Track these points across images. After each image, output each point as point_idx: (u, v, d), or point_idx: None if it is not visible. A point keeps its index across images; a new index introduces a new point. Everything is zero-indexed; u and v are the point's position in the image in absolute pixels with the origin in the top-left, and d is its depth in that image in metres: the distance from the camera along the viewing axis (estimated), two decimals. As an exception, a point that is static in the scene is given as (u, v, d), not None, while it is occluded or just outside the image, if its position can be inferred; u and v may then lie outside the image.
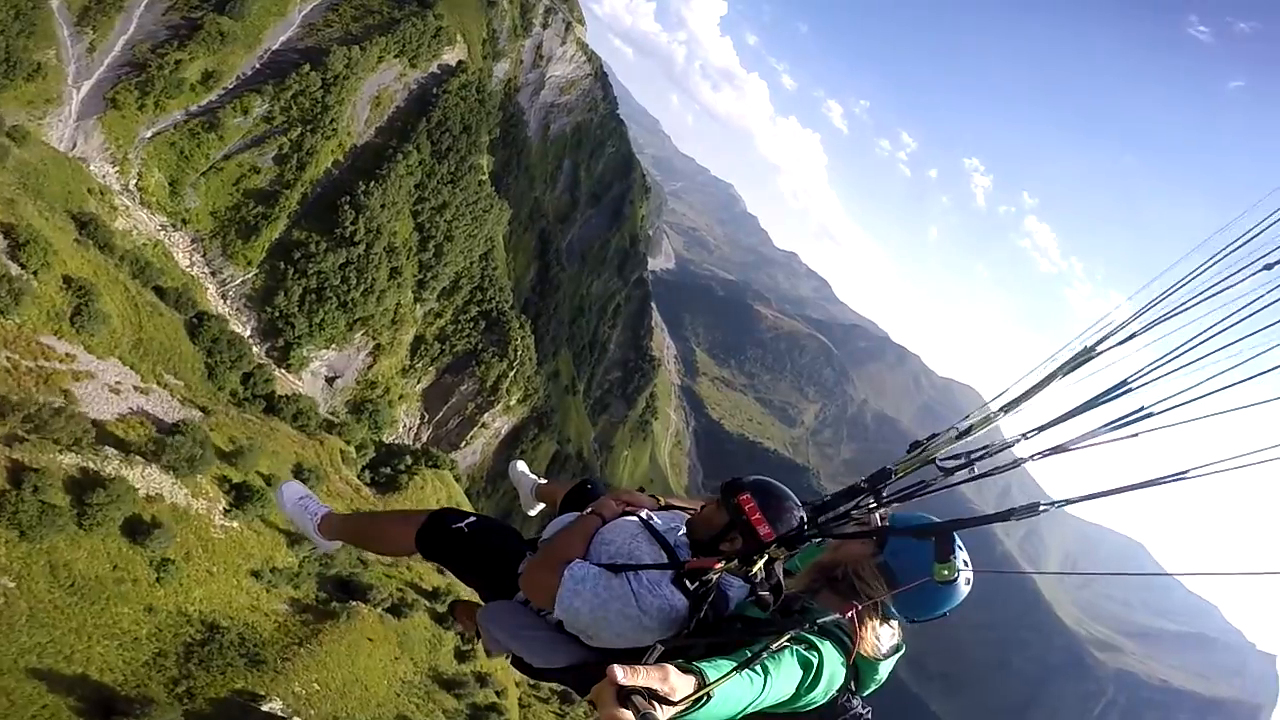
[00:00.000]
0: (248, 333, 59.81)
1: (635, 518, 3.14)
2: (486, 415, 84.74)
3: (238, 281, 60.43)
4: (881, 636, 2.74)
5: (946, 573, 2.34)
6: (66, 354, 33.90)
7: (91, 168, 52.30)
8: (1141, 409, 1.79)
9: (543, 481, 4.87)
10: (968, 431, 2.22)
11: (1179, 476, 1.77)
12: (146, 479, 30.27)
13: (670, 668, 1.87)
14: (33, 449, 26.31)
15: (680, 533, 3.08)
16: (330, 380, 68.07)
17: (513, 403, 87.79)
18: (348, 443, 52.22)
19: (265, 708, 26.38)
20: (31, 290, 33.10)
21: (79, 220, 43.65)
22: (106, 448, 29.94)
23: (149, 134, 55.46)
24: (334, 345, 65.51)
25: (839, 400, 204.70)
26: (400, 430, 78.45)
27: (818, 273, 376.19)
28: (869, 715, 2.70)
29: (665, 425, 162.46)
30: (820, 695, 2.46)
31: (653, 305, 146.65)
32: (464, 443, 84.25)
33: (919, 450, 3.45)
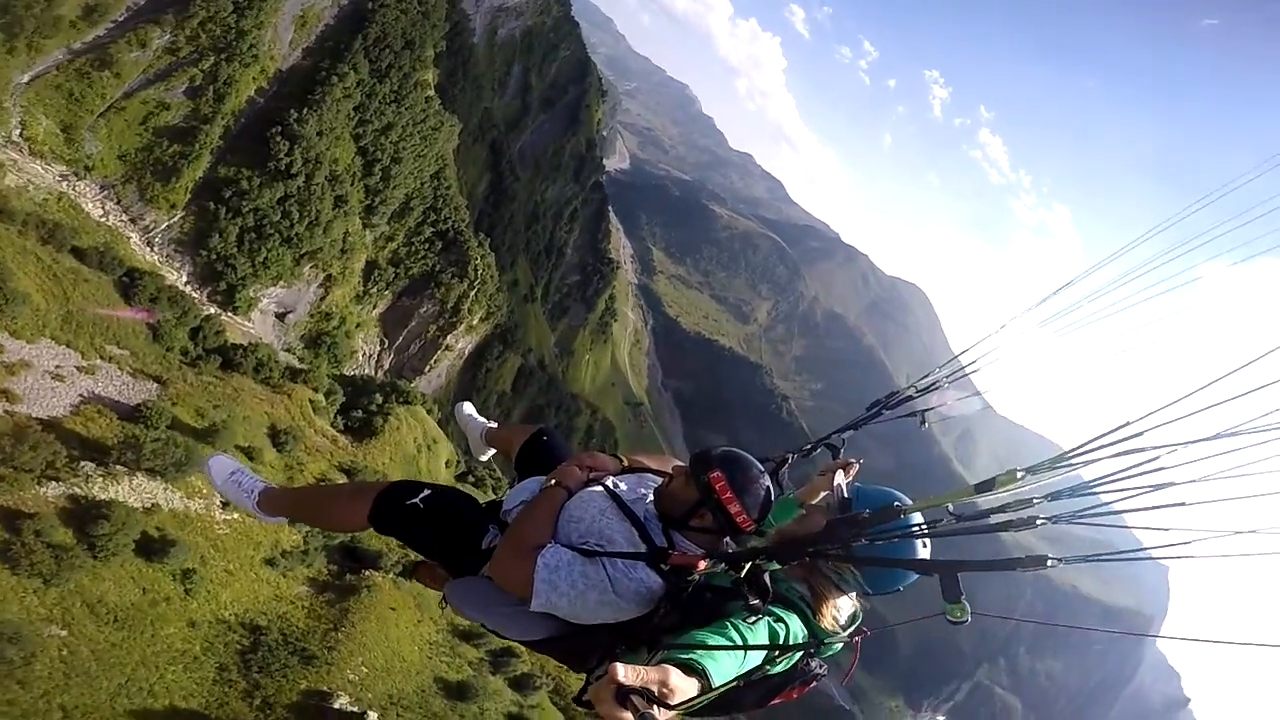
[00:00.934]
0: (184, 280, 54.88)
1: (601, 488, 3.01)
2: (449, 337, 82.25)
3: (162, 227, 54.46)
4: (841, 607, 2.76)
5: (959, 614, 2.19)
6: None
7: (-43, 124, 44.54)
8: (1170, 483, 1.74)
9: (492, 425, 4.56)
10: (989, 485, 2.09)
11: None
12: (137, 490, 28.58)
13: (671, 669, 1.81)
14: (10, 488, 24.35)
15: (648, 501, 2.97)
16: (281, 316, 64.13)
17: (475, 322, 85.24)
18: (315, 389, 49.92)
19: (337, 705, 27.51)
20: None
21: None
22: (84, 465, 27.64)
23: (25, 79, 46.79)
24: (281, 282, 61.08)
25: (791, 298, 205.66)
26: (360, 359, 75.78)
27: (772, 174, 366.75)
28: (824, 672, 2.68)
29: (624, 325, 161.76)
30: (785, 664, 2.50)
31: (609, 208, 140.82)
32: (428, 367, 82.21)
33: (875, 409, 3.71)
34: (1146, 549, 1.82)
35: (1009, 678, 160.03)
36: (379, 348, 79.37)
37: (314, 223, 60.43)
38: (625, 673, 1.70)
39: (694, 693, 1.86)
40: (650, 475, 3.22)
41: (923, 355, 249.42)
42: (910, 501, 2.56)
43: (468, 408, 4.88)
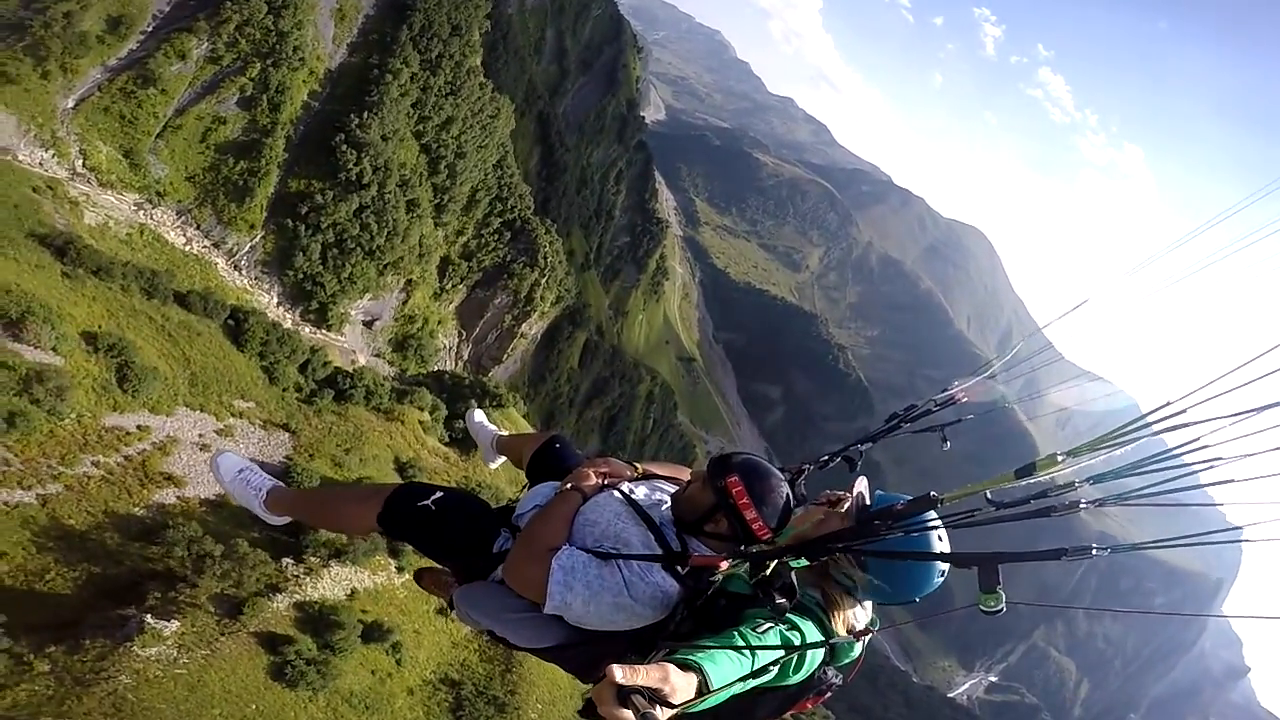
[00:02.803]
0: (275, 301, 52.21)
1: (617, 493, 2.87)
2: (524, 325, 79.06)
3: (246, 249, 51.34)
4: (858, 615, 2.61)
5: (993, 603, 2.03)
6: (138, 427, 28.44)
7: (20, 157, 40.57)
8: (1216, 458, 1.65)
9: (503, 434, 4.33)
10: (1029, 470, 1.96)
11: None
12: (336, 580, 28.23)
13: (671, 667, 1.76)
14: (254, 612, 24.52)
15: (664, 508, 2.83)
16: (369, 324, 61.51)
17: (547, 308, 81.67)
18: (421, 408, 47.77)
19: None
20: (66, 374, 26.33)
21: (49, 243, 34.09)
22: (286, 563, 26.90)
23: (71, 103, 42.72)
24: (369, 294, 58.04)
25: (843, 244, 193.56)
26: (442, 354, 73.38)
27: (815, 118, 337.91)
28: (840, 681, 2.52)
29: (672, 280, 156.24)
30: (803, 673, 2.37)
31: (654, 167, 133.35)
32: (505, 356, 79.53)
33: (894, 422, 3.54)
34: (1196, 535, 1.71)
35: (1065, 640, 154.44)
36: (457, 340, 76.77)
37: (393, 233, 56.64)
38: (624, 673, 1.62)
39: (692, 691, 1.76)
40: (664, 482, 3.04)
41: (985, 298, 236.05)
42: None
43: (478, 415, 4.67)
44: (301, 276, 52.37)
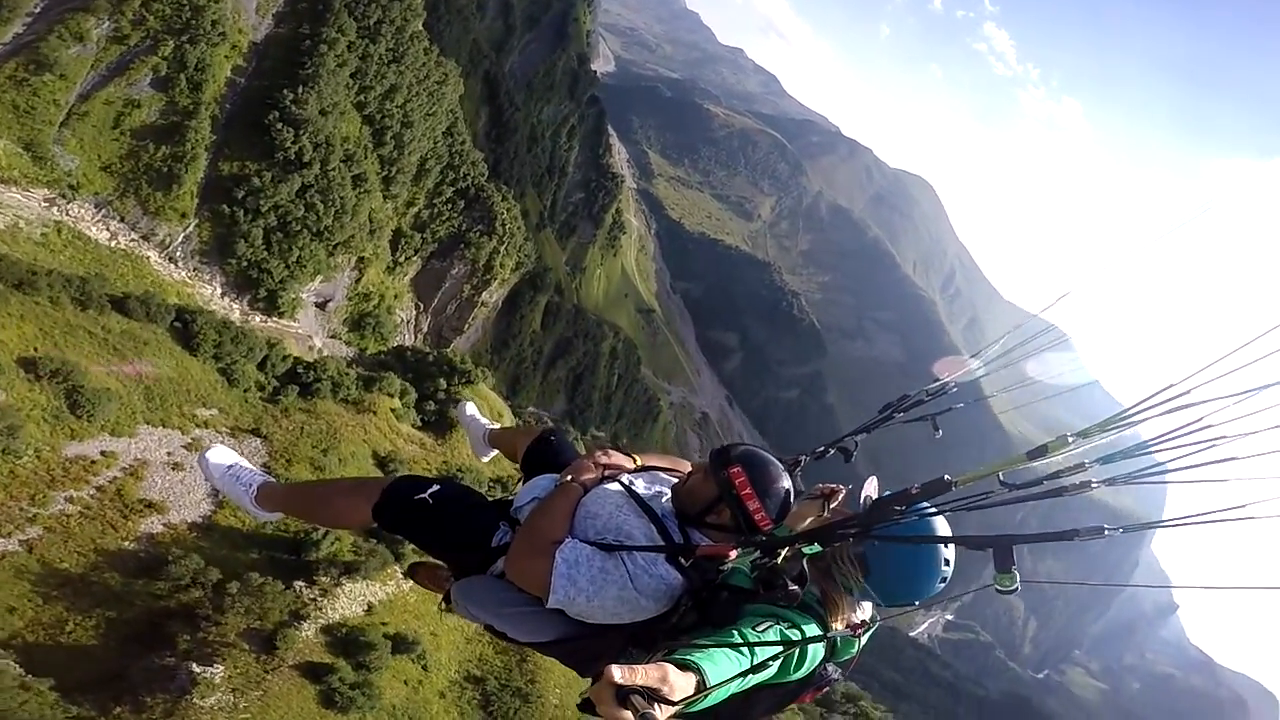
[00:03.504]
0: (218, 291, 49.57)
1: (618, 485, 2.80)
2: (484, 294, 77.41)
3: (179, 240, 47.97)
4: (858, 613, 2.57)
5: (1008, 582, 2.01)
6: (102, 453, 27.22)
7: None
8: (1219, 437, 1.65)
9: (494, 427, 4.23)
10: (1042, 452, 1.97)
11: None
12: (352, 598, 28.38)
13: (669, 666, 1.72)
14: (287, 645, 24.56)
15: (665, 500, 2.77)
16: (321, 306, 59.23)
17: (507, 275, 79.94)
18: (390, 395, 46.89)
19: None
20: (11, 408, 24.44)
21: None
22: (299, 586, 26.85)
23: None
24: (320, 277, 55.66)
25: (794, 193, 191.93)
26: (401, 327, 71.57)
27: (765, 68, 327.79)
28: (839, 677, 2.51)
29: (629, 233, 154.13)
30: (804, 670, 2.34)
31: (606, 122, 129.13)
32: (466, 325, 78.10)
33: (886, 413, 3.32)
34: (1202, 514, 1.71)
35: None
36: (415, 313, 74.84)
37: (341, 211, 53.85)
38: (622, 673, 1.57)
39: (691, 690, 1.72)
40: (663, 474, 2.97)
41: (929, 244, 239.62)
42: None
43: (469, 408, 4.54)
44: (245, 264, 49.64)
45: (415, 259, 70.90)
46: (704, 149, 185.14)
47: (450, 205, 71.96)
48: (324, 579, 27.92)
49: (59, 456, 25.39)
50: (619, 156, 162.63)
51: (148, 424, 29.87)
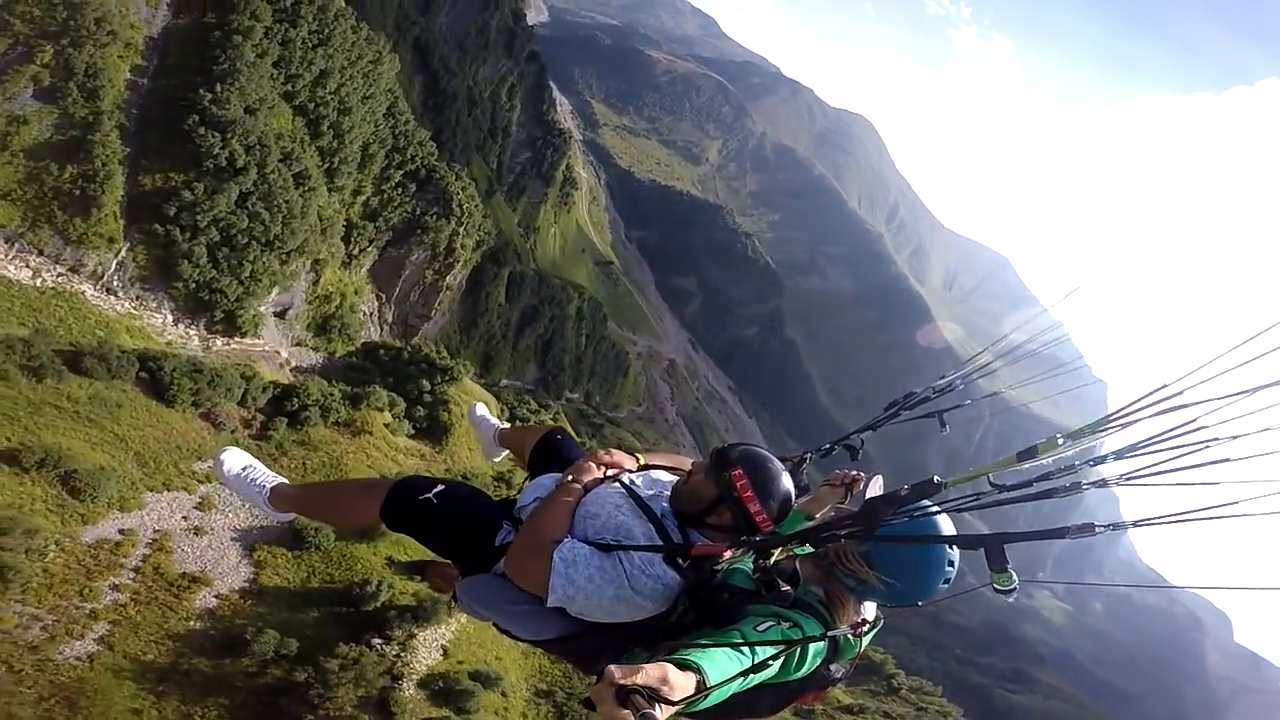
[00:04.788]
0: (170, 319, 45.24)
1: (618, 485, 2.76)
2: (448, 278, 73.56)
3: (113, 268, 42.99)
4: (861, 614, 2.51)
5: (1005, 582, 1.97)
6: (121, 532, 25.52)
7: None
8: (1211, 439, 1.62)
9: (504, 427, 4.23)
10: (1031, 453, 1.95)
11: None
12: (428, 644, 28.03)
13: (669, 666, 1.68)
14: (400, 709, 24.10)
15: (664, 501, 2.72)
16: (281, 315, 55.20)
17: (469, 255, 75.92)
18: (380, 409, 44.62)
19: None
20: (13, 508, 22.54)
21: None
22: (377, 644, 25.93)
23: None
24: (277, 288, 51.46)
25: (739, 135, 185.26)
26: (365, 322, 67.79)
27: (702, 10, 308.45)
28: (840, 676, 2.47)
29: (579, 187, 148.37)
30: (805, 671, 2.28)
31: (548, 77, 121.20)
32: (433, 312, 74.53)
33: (893, 409, 3.23)
34: (1193, 511, 1.69)
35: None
36: (377, 305, 70.80)
37: (289, 215, 49.09)
38: (622, 673, 1.56)
39: (692, 689, 1.69)
40: (664, 474, 2.92)
41: (873, 180, 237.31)
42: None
43: (480, 409, 4.49)
44: (194, 286, 45.14)
45: (370, 249, 66.30)
46: (648, 95, 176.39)
47: (401, 190, 66.89)
48: (398, 633, 27.51)
49: (81, 545, 23.90)
50: (562, 109, 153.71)
51: (151, 491, 27.92)
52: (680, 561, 2.46)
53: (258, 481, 3.48)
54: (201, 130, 45.08)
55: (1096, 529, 1.79)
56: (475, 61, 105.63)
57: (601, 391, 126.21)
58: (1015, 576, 1.96)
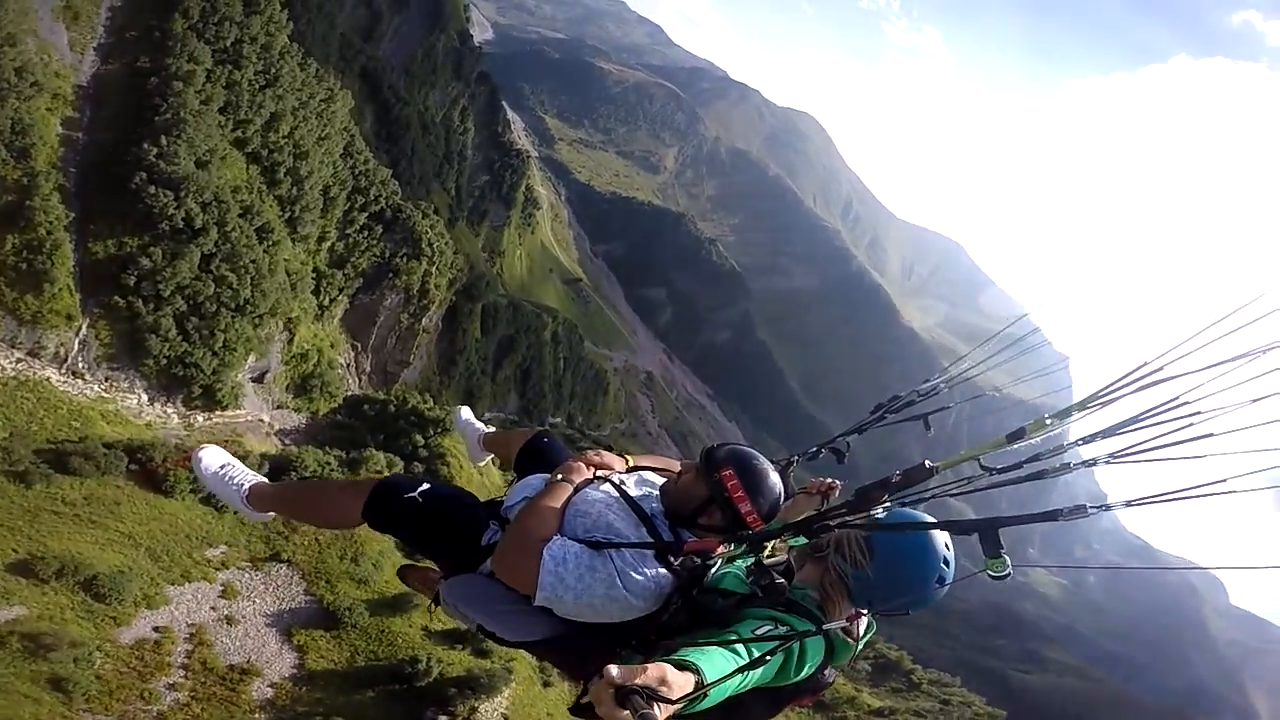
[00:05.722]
0: (144, 399, 41.18)
1: (608, 484, 2.74)
2: (424, 320, 70.15)
3: (76, 349, 38.93)
4: (852, 616, 2.51)
5: (999, 567, 1.97)
6: (156, 629, 25.14)
7: None
8: (1195, 413, 1.64)
9: (490, 430, 4.11)
10: (1020, 434, 1.97)
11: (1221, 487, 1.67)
12: (492, 716, 27.67)
13: (668, 666, 1.68)
14: None
15: (654, 501, 2.71)
16: (259, 380, 51.24)
17: (443, 295, 72.65)
18: (379, 472, 41.63)
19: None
20: (43, 620, 22.36)
21: None
22: (443, 718, 26.04)
23: None
24: (253, 355, 47.57)
25: (694, 141, 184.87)
26: (344, 375, 63.90)
27: (648, 19, 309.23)
28: (833, 680, 2.49)
29: (541, 206, 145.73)
30: (804, 673, 2.28)
31: (500, 98, 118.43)
32: (411, 357, 70.96)
33: (878, 413, 3.36)
34: (1184, 490, 1.69)
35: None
36: (353, 355, 66.93)
37: (257, 276, 45.39)
38: (621, 673, 1.55)
39: (690, 689, 1.68)
40: (654, 475, 2.91)
41: (825, 176, 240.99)
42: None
43: (464, 413, 4.39)
44: (165, 362, 41.12)
45: (341, 298, 62.55)
46: (601, 107, 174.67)
47: (366, 233, 63.37)
48: (462, 708, 27.14)
49: (123, 648, 23.63)
50: (516, 127, 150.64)
51: (172, 584, 27.28)
52: (671, 559, 2.43)
53: (235, 480, 3.39)
54: (151, 189, 41.16)
55: (1089, 510, 1.75)
56: (424, 86, 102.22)
57: (583, 412, 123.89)
58: (1009, 561, 1.92)
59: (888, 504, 2.07)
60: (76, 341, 39.18)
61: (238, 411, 45.73)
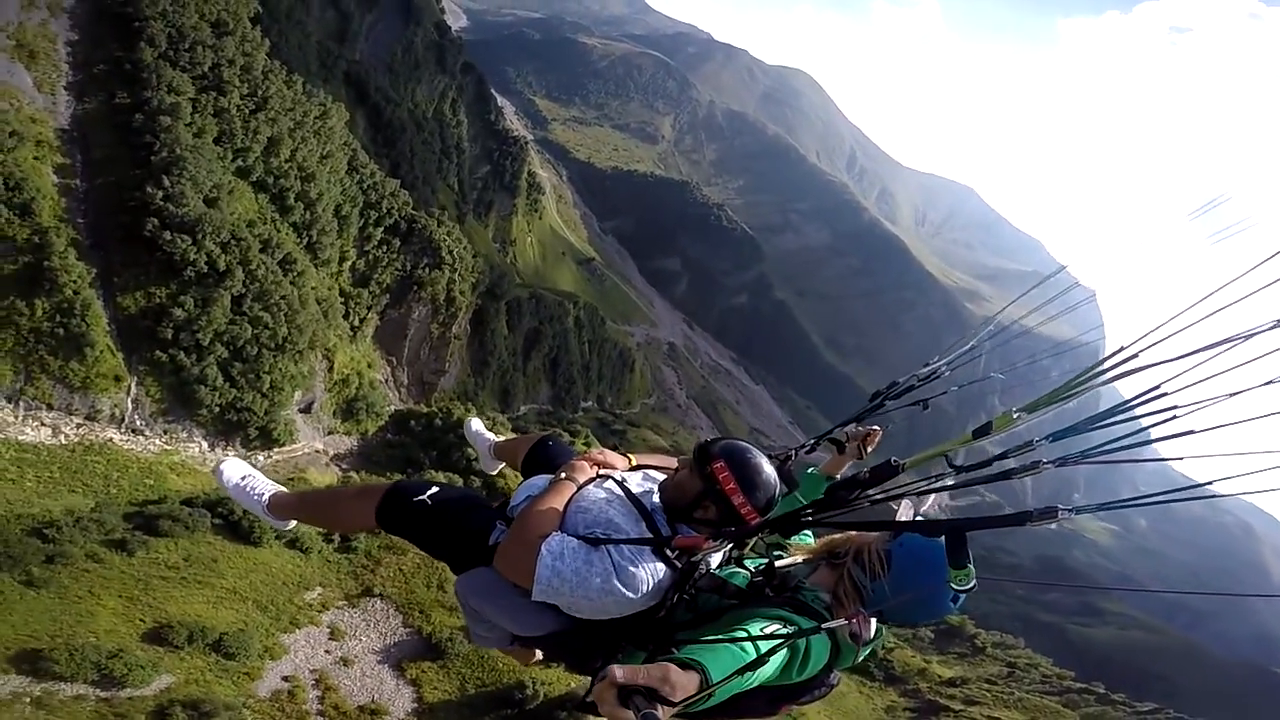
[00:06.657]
0: (206, 446, 40.59)
1: (610, 482, 2.76)
2: (454, 328, 68.83)
3: (130, 409, 38.26)
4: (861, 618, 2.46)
5: (964, 580, 1.90)
6: (285, 679, 26.08)
7: None
8: (1173, 407, 1.54)
9: (500, 439, 4.15)
10: (986, 430, 1.88)
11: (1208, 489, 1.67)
12: None
13: (671, 666, 1.66)
14: None
15: (655, 497, 2.71)
16: (306, 410, 50.54)
17: (470, 300, 71.13)
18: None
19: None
20: (188, 686, 23.13)
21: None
22: None
23: None
24: (299, 389, 46.66)
25: (688, 107, 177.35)
26: (386, 393, 63.12)
27: None
28: (837, 683, 2.44)
29: (544, 190, 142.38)
30: (808, 673, 2.24)
31: (488, 86, 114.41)
32: (446, 365, 69.90)
33: (878, 400, 3.25)
34: (1164, 492, 1.64)
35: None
36: (390, 370, 66.02)
37: (291, 312, 44.15)
38: (624, 673, 1.55)
39: (694, 688, 1.66)
40: (655, 472, 2.92)
41: (825, 131, 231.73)
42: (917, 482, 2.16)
43: (475, 424, 4.44)
44: (218, 410, 40.41)
45: (370, 316, 61.35)
46: (590, 83, 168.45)
47: (385, 247, 61.68)
48: None
49: (263, 703, 24.37)
50: (508, 113, 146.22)
51: (285, 633, 28.02)
52: (669, 554, 2.42)
53: (256, 490, 3.48)
54: (167, 235, 39.75)
55: (1060, 512, 1.66)
56: (410, 83, 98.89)
57: (613, 392, 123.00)
58: (973, 571, 1.82)
59: (857, 502, 2.00)
60: (129, 401, 38.46)
61: (294, 445, 45.13)
